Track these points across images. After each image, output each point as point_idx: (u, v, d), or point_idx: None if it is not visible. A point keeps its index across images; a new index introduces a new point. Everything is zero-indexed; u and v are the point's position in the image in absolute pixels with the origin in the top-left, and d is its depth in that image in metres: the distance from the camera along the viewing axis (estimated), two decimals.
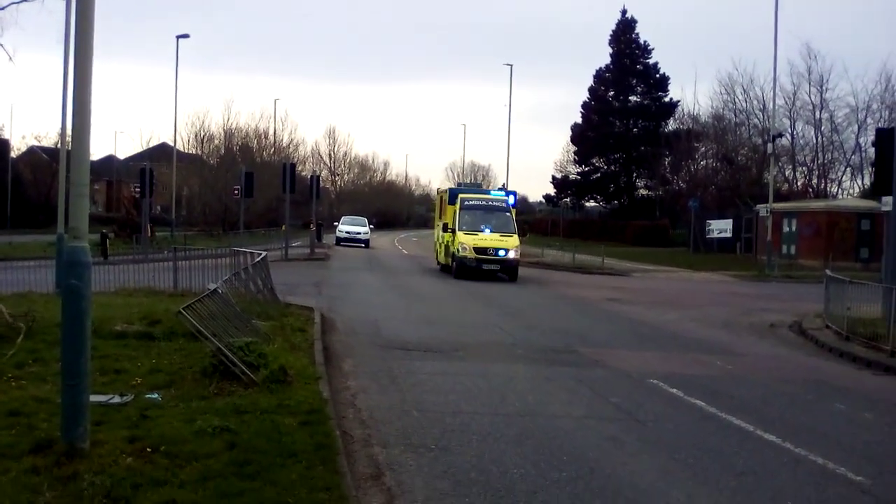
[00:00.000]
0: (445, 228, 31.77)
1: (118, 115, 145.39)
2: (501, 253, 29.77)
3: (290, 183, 38.05)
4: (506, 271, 30.03)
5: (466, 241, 29.80)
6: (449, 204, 33.02)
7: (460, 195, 32.37)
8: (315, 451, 7.37)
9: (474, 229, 30.36)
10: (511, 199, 34.22)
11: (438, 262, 34.33)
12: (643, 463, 8.28)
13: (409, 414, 9.73)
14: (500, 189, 36.94)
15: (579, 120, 79.04)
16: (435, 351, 14.33)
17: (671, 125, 73.50)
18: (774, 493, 7.49)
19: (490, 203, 32.54)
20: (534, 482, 7.43)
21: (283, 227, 40.75)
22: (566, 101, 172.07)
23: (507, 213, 31.94)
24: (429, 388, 11.27)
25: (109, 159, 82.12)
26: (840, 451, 8.99)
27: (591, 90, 78.44)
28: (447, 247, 31.89)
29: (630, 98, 77.08)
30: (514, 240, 30.41)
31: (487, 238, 30.07)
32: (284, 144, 78.45)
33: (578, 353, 14.90)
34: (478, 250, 29.55)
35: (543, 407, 10.52)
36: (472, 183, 51.70)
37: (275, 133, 76.96)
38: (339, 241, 54.77)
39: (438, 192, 40.92)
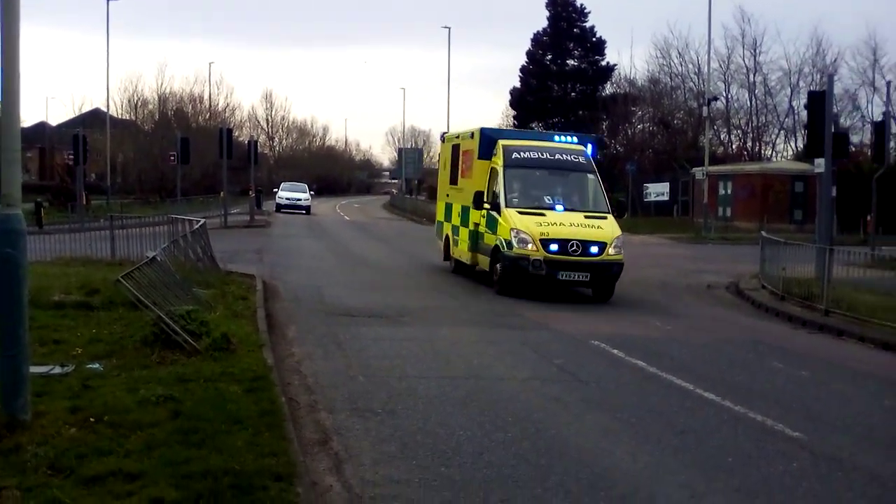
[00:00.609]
0: (478, 202, 18.35)
1: (49, 81, 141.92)
2: (594, 250, 16.81)
3: (227, 148, 37.57)
4: (599, 283, 17.17)
5: (527, 228, 16.92)
6: (479, 158, 19.16)
7: (502, 142, 18.81)
8: (260, 417, 7.34)
9: (534, 205, 17.68)
10: (590, 150, 19.47)
11: (451, 258, 21.03)
12: (587, 423, 8.41)
13: (354, 379, 9.73)
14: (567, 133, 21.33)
15: (518, 84, 79.02)
16: (380, 316, 14.31)
17: (608, 89, 73.86)
18: (715, 450, 7.65)
19: (559, 157, 18.69)
20: (480, 443, 7.49)
21: (222, 194, 40.18)
22: (506, 64, 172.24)
23: (591, 175, 18.64)
24: (374, 353, 11.27)
25: (41, 126, 79.97)
26: (778, 408, 9.21)
27: (528, 54, 78.20)
28: (478, 234, 18.89)
29: (567, 62, 77.03)
30: (610, 225, 17.57)
31: (565, 222, 17.15)
32: (220, 109, 77.20)
33: (523, 316, 15.01)
34: (548, 244, 16.74)
35: (488, 370, 10.60)
36: (413, 149, 43.61)
37: (210, 98, 75.61)
38: (279, 207, 54.29)
39: (448, 139, 23.63)
